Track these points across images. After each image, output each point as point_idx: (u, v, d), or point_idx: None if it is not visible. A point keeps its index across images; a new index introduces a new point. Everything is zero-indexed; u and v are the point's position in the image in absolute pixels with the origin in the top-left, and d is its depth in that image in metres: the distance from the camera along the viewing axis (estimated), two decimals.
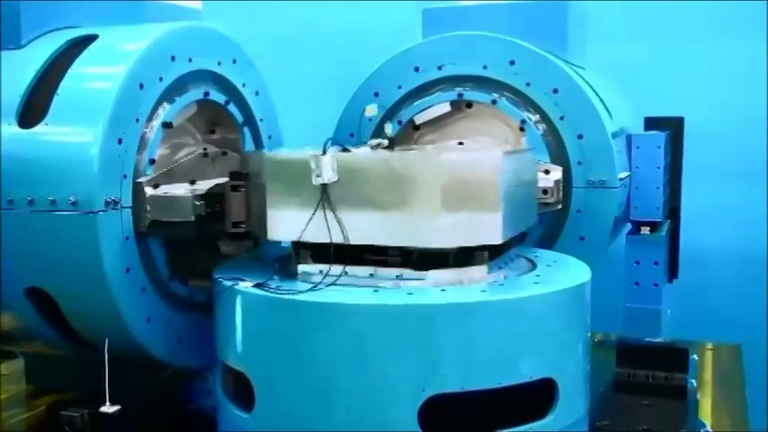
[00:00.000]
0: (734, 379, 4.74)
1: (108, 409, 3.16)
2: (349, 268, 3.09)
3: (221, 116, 3.88)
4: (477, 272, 3.11)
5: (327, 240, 3.04)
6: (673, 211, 4.92)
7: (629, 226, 4.47)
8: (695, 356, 4.98)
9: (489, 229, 3.01)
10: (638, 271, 4.35)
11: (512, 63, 4.01)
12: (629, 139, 4.38)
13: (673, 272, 5.00)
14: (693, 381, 4.51)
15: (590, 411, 3.44)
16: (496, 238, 3.03)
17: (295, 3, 6.99)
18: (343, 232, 3.02)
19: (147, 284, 3.38)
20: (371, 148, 3.32)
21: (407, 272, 3.06)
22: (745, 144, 5.99)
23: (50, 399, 3.86)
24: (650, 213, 4.35)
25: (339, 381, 2.87)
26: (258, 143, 4.04)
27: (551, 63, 3.99)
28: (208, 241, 3.56)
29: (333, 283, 3.03)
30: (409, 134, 4.23)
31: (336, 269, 3.06)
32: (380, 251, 3.09)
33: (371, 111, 3.49)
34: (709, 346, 5.26)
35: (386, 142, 3.36)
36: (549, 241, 4.01)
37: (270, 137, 4.12)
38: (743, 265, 6.05)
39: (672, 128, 4.84)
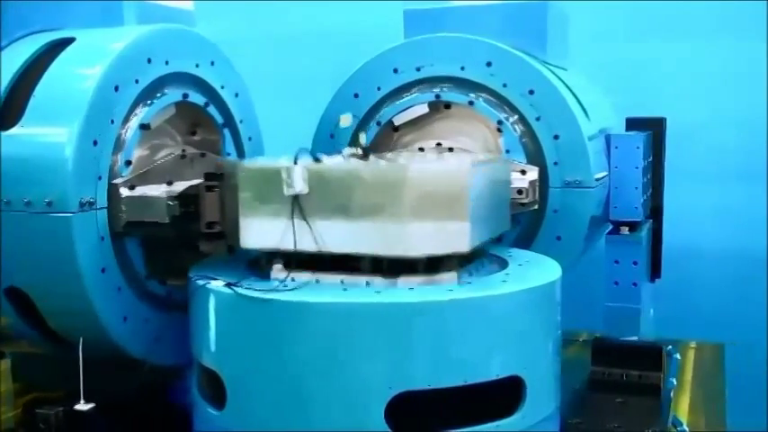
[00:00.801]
0: (714, 378, 4.76)
1: (82, 406, 3.20)
2: (320, 276, 3.12)
3: (202, 118, 3.92)
4: (447, 278, 3.13)
5: (295, 249, 3.07)
6: (655, 211, 4.97)
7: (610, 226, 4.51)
8: (678, 356, 5.01)
9: (457, 237, 3.03)
10: (618, 270, 4.40)
11: (489, 64, 4.04)
12: (608, 139, 4.41)
13: (655, 271, 5.04)
14: (674, 380, 4.55)
15: (563, 409, 3.48)
16: (464, 247, 3.06)
17: (289, 3, 7.01)
18: (315, 241, 3.05)
19: (123, 284, 3.42)
20: (345, 157, 3.34)
21: (377, 279, 3.09)
22: (742, 144, 6.00)
23: (37, 397, 3.88)
24: (629, 213, 4.38)
25: (307, 378, 2.90)
26: (238, 145, 4.08)
27: (527, 64, 4.02)
28: (186, 241, 3.59)
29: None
30: (389, 135, 4.27)
31: (307, 276, 3.10)
32: (352, 259, 3.11)
33: (346, 121, 3.51)
34: (693, 344, 5.28)
35: (360, 152, 3.36)
36: (526, 241, 4.04)
37: (250, 138, 4.16)
38: (737, 264, 6.06)
39: (653, 128, 4.89)
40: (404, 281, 3.07)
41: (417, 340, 2.89)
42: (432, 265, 3.11)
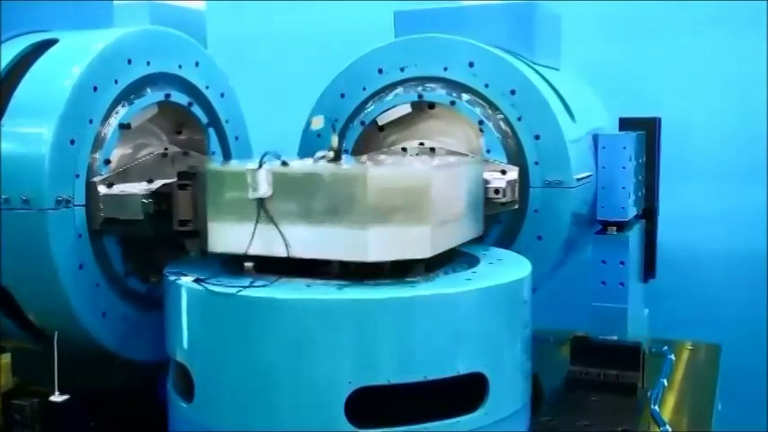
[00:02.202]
0: (706, 379, 4.74)
1: (56, 398, 3.28)
2: (287, 279, 3.14)
3: (186, 118, 3.99)
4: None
5: (263, 253, 3.12)
6: (649, 211, 4.96)
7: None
8: (672, 356, 5.00)
9: (419, 242, 3.06)
10: (605, 270, 4.39)
11: (471, 65, 4.07)
12: (595, 139, 4.42)
13: (650, 272, 5.02)
14: (665, 380, 4.53)
15: (538, 407, 3.51)
16: (426, 252, 3.09)
17: (302, 3, 7.07)
18: (282, 245, 3.09)
19: (101, 280, 3.50)
20: (315, 160, 3.38)
21: (342, 283, 3.13)
22: (744, 144, 5.96)
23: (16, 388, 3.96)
24: (616, 213, 4.37)
25: (269, 373, 2.96)
26: (224, 144, 4.15)
27: (509, 64, 4.04)
28: (166, 239, 3.65)
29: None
30: (375, 135, 4.31)
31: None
32: (322, 262, 3.16)
33: (317, 123, 3.54)
34: (689, 345, 5.26)
35: (331, 154, 3.39)
36: (507, 240, 4.06)
37: (237, 138, 4.22)
38: (737, 265, 6.02)
39: (646, 128, 4.88)
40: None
41: (376, 336, 2.94)
42: (399, 268, 3.14)
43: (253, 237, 3.08)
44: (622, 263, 4.37)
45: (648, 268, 4.99)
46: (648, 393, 4.07)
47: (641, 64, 6.05)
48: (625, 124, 4.88)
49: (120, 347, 3.62)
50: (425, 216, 3.03)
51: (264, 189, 3.04)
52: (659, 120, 4.96)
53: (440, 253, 3.27)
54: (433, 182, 3.05)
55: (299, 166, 3.19)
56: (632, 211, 4.49)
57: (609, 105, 5.28)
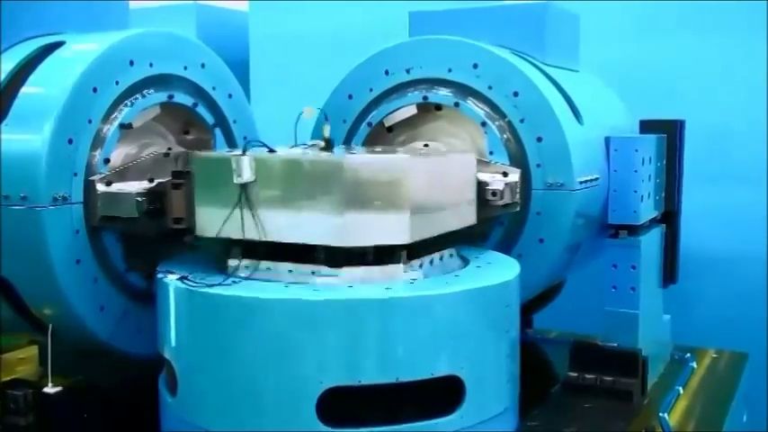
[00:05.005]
0: (724, 386, 4.64)
1: (50, 389, 3.40)
2: (272, 264, 3.23)
3: (193, 118, 4.08)
4: (392, 270, 3.19)
5: (247, 237, 3.19)
6: (669, 215, 4.87)
7: None
8: (694, 364, 4.91)
9: (397, 228, 3.09)
10: (616, 275, 4.33)
11: (475, 66, 4.06)
12: (607, 142, 4.36)
13: (671, 277, 4.93)
14: (680, 388, 4.46)
15: (529, 411, 3.49)
16: (404, 239, 3.11)
17: (344, 3, 7.12)
18: (260, 229, 3.16)
19: (99, 275, 3.60)
20: (305, 149, 3.44)
21: (323, 268, 3.18)
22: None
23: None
24: (627, 217, 4.31)
25: (244, 371, 3.02)
26: (231, 144, 4.22)
27: (512, 66, 4.02)
28: (169, 236, 3.74)
29: (249, 277, 3.19)
30: (384, 136, 4.34)
31: (256, 264, 3.22)
32: (308, 247, 3.21)
33: (309, 113, 3.59)
34: (713, 353, 5.15)
35: (323, 144, 3.46)
36: (509, 243, 4.05)
37: (245, 138, 4.28)
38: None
39: (668, 131, 4.79)
40: (347, 271, 3.15)
41: (348, 337, 2.97)
42: (379, 255, 3.18)
43: (227, 220, 3.17)
44: (634, 267, 4.30)
45: (669, 273, 4.89)
46: (645, 401, 4.00)
47: (663, 65, 5.94)
48: (646, 127, 4.80)
49: (120, 342, 3.72)
50: (404, 202, 3.06)
51: (248, 175, 3.11)
52: (682, 122, 4.86)
53: (429, 246, 3.29)
54: (410, 169, 3.08)
55: (283, 153, 3.24)
56: (646, 215, 4.41)
57: (639, 107, 5.17)
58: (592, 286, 4.72)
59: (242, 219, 3.17)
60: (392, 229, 3.09)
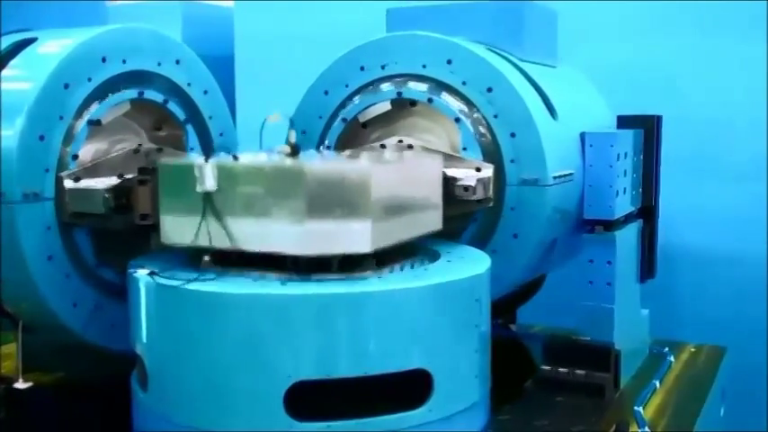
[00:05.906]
0: (700, 381, 4.66)
1: (20, 385, 3.41)
2: (237, 273, 3.21)
3: (166, 114, 4.07)
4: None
5: (212, 246, 3.19)
6: (647, 210, 4.89)
7: None
8: (671, 358, 4.94)
9: (357, 237, 3.08)
10: (592, 270, 4.35)
11: (449, 62, 4.07)
12: (582, 137, 4.37)
13: (649, 272, 4.95)
14: (657, 382, 4.48)
15: (501, 405, 3.50)
16: (365, 247, 3.11)
17: (329, 2, 7.12)
18: (226, 238, 3.16)
19: (71, 271, 3.60)
20: (274, 154, 3.43)
21: (292, 276, 3.17)
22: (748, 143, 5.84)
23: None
24: (602, 212, 4.32)
25: (213, 365, 3.03)
26: (206, 140, 4.22)
27: (485, 62, 4.03)
28: (140, 232, 3.74)
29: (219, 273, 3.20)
30: (359, 132, 4.34)
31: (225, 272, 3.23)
32: (276, 256, 3.20)
33: (274, 118, 3.58)
34: (692, 347, 5.17)
35: (288, 149, 3.43)
36: (483, 239, 4.05)
37: (221, 134, 4.30)
38: (745, 267, 5.89)
39: (645, 126, 4.81)
40: (316, 278, 3.14)
41: (313, 331, 2.97)
42: (348, 263, 3.18)
43: (199, 229, 3.15)
44: (609, 262, 4.32)
45: (647, 268, 4.91)
46: (618, 394, 4.02)
47: (646, 62, 5.96)
48: (623, 122, 4.82)
49: (93, 337, 3.72)
50: (364, 211, 3.05)
51: (210, 182, 3.11)
52: (659, 117, 4.87)
53: (398, 248, 3.30)
54: (372, 177, 3.06)
55: (246, 160, 3.24)
56: (622, 211, 4.43)
57: (639, 107, 5.16)
58: (580, 282, 4.71)
59: (207, 227, 3.15)
60: (355, 237, 3.07)
